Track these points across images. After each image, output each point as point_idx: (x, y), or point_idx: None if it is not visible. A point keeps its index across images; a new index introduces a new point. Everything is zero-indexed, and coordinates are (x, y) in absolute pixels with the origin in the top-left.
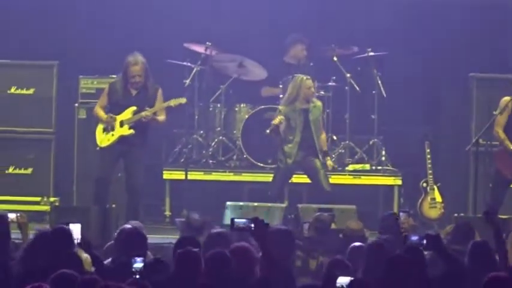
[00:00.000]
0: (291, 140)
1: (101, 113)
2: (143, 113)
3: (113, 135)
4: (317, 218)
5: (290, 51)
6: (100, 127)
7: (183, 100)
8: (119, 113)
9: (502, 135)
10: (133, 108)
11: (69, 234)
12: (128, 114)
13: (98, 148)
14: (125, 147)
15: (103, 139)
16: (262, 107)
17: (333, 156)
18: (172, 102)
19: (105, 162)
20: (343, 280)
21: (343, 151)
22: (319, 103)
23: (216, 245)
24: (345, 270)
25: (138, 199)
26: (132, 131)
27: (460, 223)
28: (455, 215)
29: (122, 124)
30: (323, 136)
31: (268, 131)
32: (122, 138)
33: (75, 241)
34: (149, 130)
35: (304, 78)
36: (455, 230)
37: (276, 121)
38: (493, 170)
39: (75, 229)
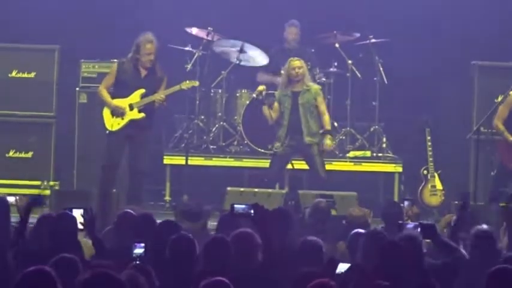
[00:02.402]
0: (281, 124)
1: (109, 98)
2: (156, 96)
3: (123, 118)
4: (315, 204)
5: (285, 36)
6: (107, 110)
7: (196, 83)
8: (125, 94)
9: (502, 127)
10: (142, 90)
11: (72, 219)
12: (136, 97)
13: (107, 132)
14: (133, 131)
15: (113, 123)
16: (264, 93)
17: (335, 140)
18: (185, 85)
19: (114, 146)
20: (343, 267)
21: (344, 138)
22: (315, 87)
23: (226, 230)
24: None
25: (142, 183)
26: (142, 114)
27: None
28: (456, 202)
29: (131, 107)
30: (326, 117)
31: (254, 95)
32: (131, 122)
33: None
34: (156, 113)
35: (292, 60)
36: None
37: (258, 89)
38: (496, 160)
39: (77, 214)
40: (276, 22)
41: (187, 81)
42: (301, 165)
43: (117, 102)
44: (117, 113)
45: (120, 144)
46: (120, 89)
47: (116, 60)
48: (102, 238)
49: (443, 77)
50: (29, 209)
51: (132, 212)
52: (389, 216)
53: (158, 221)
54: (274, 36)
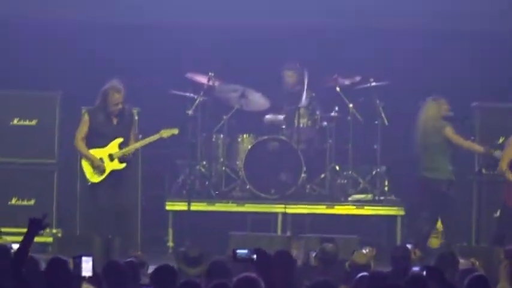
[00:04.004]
0: None
1: (87, 151)
2: (137, 146)
3: (104, 170)
4: (323, 248)
5: (284, 80)
6: (87, 162)
7: (175, 131)
8: (102, 144)
9: (504, 166)
10: (120, 140)
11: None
12: (115, 146)
13: (89, 184)
14: (115, 180)
15: (94, 174)
16: (266, 137)
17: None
18: (165, 134)
19: (100, 196)
20: None
21: (345, 181)
22: None
23: (218, 276)
24: None
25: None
26: (124, 164)
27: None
28: (458, 244)
29: (111, 158)
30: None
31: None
32: (112, 172)
33: (84, 275)
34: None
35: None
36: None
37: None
38: (500, 201)
39: (87, 262)
40: (276, 66)
41: (167, 129)
42: (302, 209)
43: (96, 153)
44: (97, 167)
45: (105, 194)
46: (95, 139)
47: (85, 108)
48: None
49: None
50: (33, 233)
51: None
52: (397, 259)
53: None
54: (275, 81)
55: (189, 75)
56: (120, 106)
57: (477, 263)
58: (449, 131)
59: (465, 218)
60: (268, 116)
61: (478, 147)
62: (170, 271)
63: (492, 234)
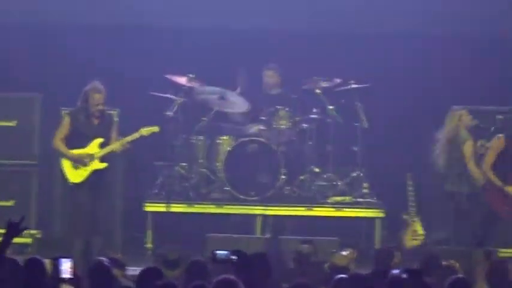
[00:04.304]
0: None
1: (67, 150)
2: (117, 145)
3: (85, 170)
4: (299, 250)
5: (264, 81)
6: (67, 162)
7: (155, 129)
8: (82, 145)
9: (491, 173)
10: (100, 140)
11: (41, 265)
12: (95, 146)
13: (70, 184)
14: (96, 180)
15: (75, 174)
16: (245, 139)
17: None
18: (145, 132)
19: (81, 197)
20: None
21: (325, 183)
22: None
23: (198, 277)
24: None
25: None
26: (105, 164)
27: (427, 255)
28: (437, 246)
29: (92, 158)
30: None
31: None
32: (94, 172)
33: (64, 276)
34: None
35: None
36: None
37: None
38: (483, 205)
39: (66, 264)
40: (257, 69)
41: (147, 128)
42: (282, 211)
43: (77, 152)
44: (80, 163)
45: (85, 194)
46: (76, 140)
47: (65, 109)
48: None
49: (425, 121)
50: (10, 237)
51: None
52: (380, 262)
53: (139, 269)
54: (255, 83)
55: (169, 76)
56: (100, 107)
57: (457, 265)
58: (467, 146)
59: (444, 220)
60: (248, 125)
61: (478, 175)
62: (156, 273)
63: (471, 236)
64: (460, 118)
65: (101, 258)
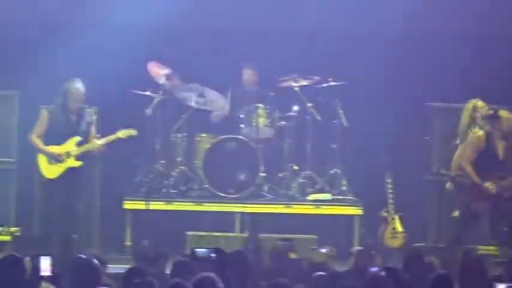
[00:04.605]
0: None
1: (43, 145)
2: (94, 145)
3: (60, 166)
4: (273, 247)
5: (243, 78)
6: (43, 157)
7: (133, 132)
8: (59, 142)
9: (470, 168)
10: (78, 138)
11: (21, 263)
12: (72, 144)
13: (44, 180)
14: (71, 178)
15: (50, 170)
16: (224, 137)
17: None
18: (121, 134)
19: (56, 194)
20: None
21: (304, 181)
22: None
23: (180, 275)
24: None
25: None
26: (81, 162)
27: (411, 253)
28: (416, 244)
29: (68, 155)
30: None
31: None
32: (69, 169)
33: (43, 274)
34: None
35: None
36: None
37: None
38: (460, 202)
39: (45, 261)
40: (236, 66)
41: (124, 130)
42: (261, 209)
43: (53, 149)
44: (55, 159)
45: (61, 190)
46: (53, 137)
47: (44, 106)
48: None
49: (402, 119)
50: None
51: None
52: (360, 263)
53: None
54: (234, 81)
55: (149, 67)
56: (79, 105)
57: (437, 261)
58: (474, 139)
59: (423, 218)
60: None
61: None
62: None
63: (450, 234)
64: (474, 109)
65: (82, 255)
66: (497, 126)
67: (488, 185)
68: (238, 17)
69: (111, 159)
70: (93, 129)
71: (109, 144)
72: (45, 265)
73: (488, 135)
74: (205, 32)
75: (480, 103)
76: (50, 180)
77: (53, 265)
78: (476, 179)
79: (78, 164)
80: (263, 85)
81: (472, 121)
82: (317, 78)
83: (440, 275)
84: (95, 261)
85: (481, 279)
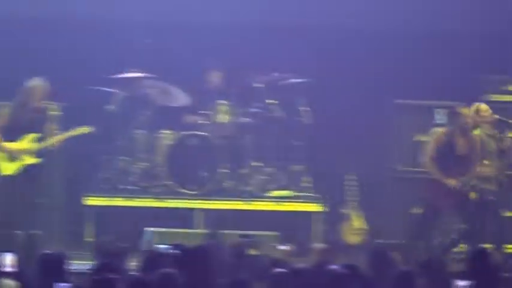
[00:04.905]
0: None
1: (2, 143)
2: (51, 142)
3: (18, 163)
4: (233, 243)
5: (206, 77)
6: (1, 153)
7: (86, 130)
8: (17, 138)
9: (432, 165)
10: (36, 135)
11: None
12: (30, 141)
13: (1, 176)
14: (31, 174)
15: (8, 167)
16: (186, 133)
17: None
18: (75, 132)
19: (15, 189)
20: None
21: (265, 177)
22: None
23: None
24: None
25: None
26: (39, 159)
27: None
28: (377, 241)
29: (26, 152)
30: None
31: None
32: (27, 166)
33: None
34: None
35: None
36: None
37: None
38: (423, 199)
39: (7, 258)
40: (199, 63)
41: (77, 128)
42: (222, 205)
43: (11, 145)
44: (13, 155)
45: (20, 188)
46: (12, 133)
47: (3, 103)
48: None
49: (365, 115)
50: None
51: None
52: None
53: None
54: (197, 77)
55: (113, 72)
56: (39, 101)
57: (399, 258)
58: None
59: (385, 215)
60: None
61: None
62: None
63: (412, 231)
64: (477, 113)
65: (45, 251)
66: (458, 123)
67: (450, 181)
68: (202, 13)
69: (73, 155)
70: (53, 126)
71: (71, 141)
72: (8, 261)
73: (449, 133)
74: (169, 27)
75: (483, 106)
76: (8, 176)
77: (15, 261)
78: (438, 175)
79: (36, 160)
80: (226, 82)
81: (475, 124)
82: (280, 74)
83: (403, 272)
84: (58, 257)
85: (442, 276)
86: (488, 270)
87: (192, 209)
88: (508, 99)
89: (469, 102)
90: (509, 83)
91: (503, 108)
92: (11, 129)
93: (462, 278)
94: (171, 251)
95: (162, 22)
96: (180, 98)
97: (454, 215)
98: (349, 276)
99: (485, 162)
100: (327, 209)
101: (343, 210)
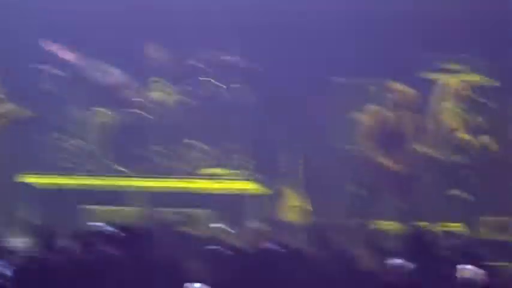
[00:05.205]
0: None
1: None
2: None
3: None
4: (166, 221)
5: (144, 53)
6: None
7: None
8: None
9: (368, 144)
10: None
11: None
12: None
13: None
14: None
15: None
16: (120, 110)
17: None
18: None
19: None
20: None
21: (200, 155)
22: None
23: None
24: None
25: None
26: None
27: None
28: (318, 219)
29: None
30: None
31: None
32: None
33: None
34: None
35: None
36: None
37: None
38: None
39: None
40: (134, 40)
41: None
42: (158, 183)
43: None
44: None
45: None
46: None
47: None
48: None
49: (300, 93)
50: None
51: None
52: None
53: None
54: (134, 55)
55: (46, 46)
56: None
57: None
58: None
59: (323, 193)
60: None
61: None
62: None
63: (350, 209)
64: (453, 89)
65: None
66: (390, 99)
67: (385, 160)
68: None
69: (4, 133)
70: None
71: (3, 119)
72: None
73: (383, 110)
74: (108, 6)
75: (459, 82)
76: None
77: None
78: (371, 153)
79: None
80: (163, 59)
81: (452, 101)
82: (217, 52)
83: (343, 251)
84: None
85: (378, 254)
86: (425, 248)
87: (126, 187)
88: (440, 77)
89: (402, 80)
90: (442, 61)
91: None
92: None
93: (397, 256)
94: (105, 228)
95: None
96: (116, 76)
97: (388, 193)
98: (283, 254)
99: (421, 139)
100: (264, 188)
101: (281, 189)
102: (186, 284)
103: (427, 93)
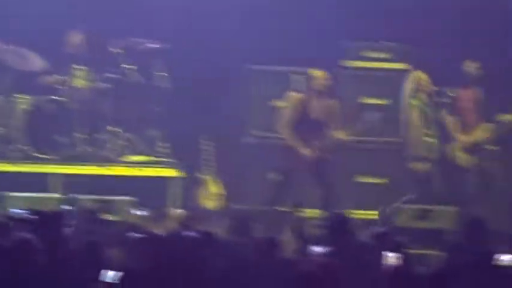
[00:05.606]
0: None
1: None
2: None
3: None
4: (87, 208)
5: (66, 40)
6: None
7: None
8: None
9: (288, 132)
10: None
11: None
12: None
13: None
14: None
15: None
16: (42, 97)
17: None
18: None
19: None
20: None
21: (122, 142)
22: None
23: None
24: None
25: None
26: None
27: (235, 216)
28: (235, 206)
29: None
30: None
31: None
32: None
33: None
34: None
35: None
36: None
37: None
38: (282, 166)
39: None
40: (56, 26)
41: None
42: (77, 170)
43: None
44: None
45: None
46: None
47: None
48: None
49: (222, 81)
50: None
51: None
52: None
53: None
54: (55, 42)
55: None
56: None
57: (258, 225)
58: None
59: (241, 180)
60: (44, 78)
61: None
62: None
63: (269, 197)
64: (418, 82)
65: None
66: (311, 87)
67: (305, 149)
68: None
69: None
70: None
71: None
72: None
73: (304, 98)
74: None
75: (422, 75)
76: None
77: None
78: (292, 142)
79: None
80: (83, 46)
81: (413, 92)
82: (138, 39)
83: (264, 239)
84: None
85: (300, 242)
86: (343, 235)
87: (47, 174)
88: (364, 66)
89: (325, 68)
90: (366, 49)
91: (358, 75)
92: None
93: (318, 244)
94: (26, 215)
95: None
96: (36, 62)
97: (308, 180)
98: (205, 241)
99: (339, 127)
100: (183, 174)
101: (200, 176)
102: (103, 271)
103: (348, 80)
